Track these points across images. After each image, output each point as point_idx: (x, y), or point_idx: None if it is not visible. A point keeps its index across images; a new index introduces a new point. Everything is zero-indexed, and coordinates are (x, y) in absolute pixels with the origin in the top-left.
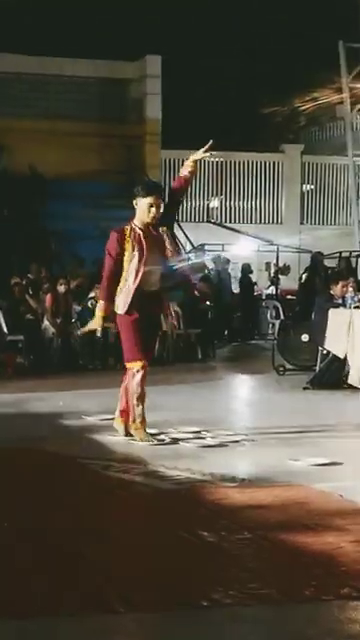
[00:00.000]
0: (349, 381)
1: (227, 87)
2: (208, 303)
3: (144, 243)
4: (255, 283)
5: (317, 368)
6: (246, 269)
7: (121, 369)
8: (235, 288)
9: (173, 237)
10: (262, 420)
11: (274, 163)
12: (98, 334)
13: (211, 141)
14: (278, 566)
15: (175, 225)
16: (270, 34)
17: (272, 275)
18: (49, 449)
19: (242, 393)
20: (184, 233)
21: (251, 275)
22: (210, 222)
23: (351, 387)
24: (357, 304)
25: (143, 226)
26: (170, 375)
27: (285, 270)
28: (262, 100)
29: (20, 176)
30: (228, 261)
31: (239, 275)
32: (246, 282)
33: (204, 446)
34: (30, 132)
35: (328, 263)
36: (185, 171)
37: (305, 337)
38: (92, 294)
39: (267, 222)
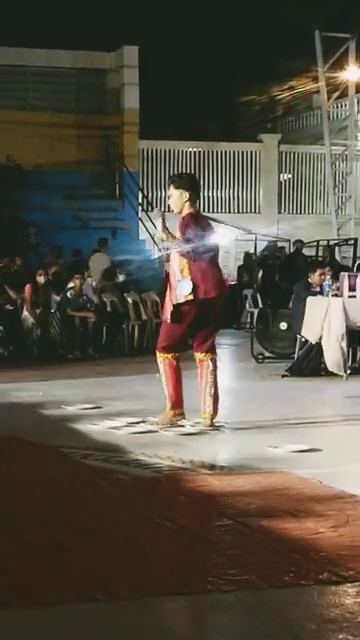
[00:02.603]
0: (329, 368)
1: (205, 77)
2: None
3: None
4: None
5: (296, 356)
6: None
7: (100, 358)
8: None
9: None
10: (241, 408)
11: (252, 153)
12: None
13: None
14: (258, 552)
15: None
16: (247, 23)
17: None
18: (29, 439)
19: (221, 381)
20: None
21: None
22: None
23: (329, 374)
24: (334, 292)
25: None
26: (151, 365)
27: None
28: (239, 90)
29: None
30: None
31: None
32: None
33: (184, 434)
34: (8, 123)
35: (306, 252)
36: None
37: (284, 325)
38: (71, 284)
39: (245, 211)
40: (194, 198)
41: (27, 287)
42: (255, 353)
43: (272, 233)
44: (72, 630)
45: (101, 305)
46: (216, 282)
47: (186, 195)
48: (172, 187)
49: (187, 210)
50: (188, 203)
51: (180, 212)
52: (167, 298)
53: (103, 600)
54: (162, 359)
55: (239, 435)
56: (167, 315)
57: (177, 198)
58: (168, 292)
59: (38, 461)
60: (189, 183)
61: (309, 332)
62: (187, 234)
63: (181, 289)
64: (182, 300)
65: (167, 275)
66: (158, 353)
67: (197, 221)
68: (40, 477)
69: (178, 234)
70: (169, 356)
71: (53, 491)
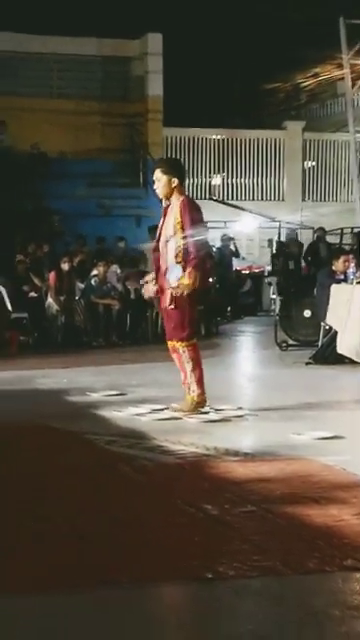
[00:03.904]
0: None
1: (229, 64)
2: (211, 280)
3: (163, 217)
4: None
5: (319, 343)
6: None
7: (124, 345)
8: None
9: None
10: (265, 395)
11: (276, 140)
12: None
13: None
14: (281, 538)
15: None
16: (272, 10)
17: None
18: (54, 425)
19: (245, 369)
20: None
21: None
22: (212, 199)
23: (353, 362)
24: (358, 279)
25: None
26: None
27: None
28: (264, 77)
29: (23, 155)
30: (230, 239)
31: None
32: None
33: (208, 421)
34: (33, 111)
35: (330, 239)
36: None
37: (307, 313)
38: (95, 272)
39: (269, 199)
40: (182, 184)
41: (51, 274)
42: (279, 340)
43: (296, 221)
44: (94, 617)
45: (125, 293)
46: (207, 274)
47: (175, 181)
48: (159, 172)
49: (179, 195)
50: (177, 189)
51: (167, 197)
52: (159, 287)
53: (126, 586)
54: (186, 347)
55: (263, 422)
56: (167, 303)
57: (166, 184)
58: (159, 280)
59: (63, 447)
60: (177, 169)
61: (333, 319)
62: (193, 222)
63: (173, 274)
64: (175, 285)
65: (157, 262)
66: (181, 343)
67: (196, 207)
68: (65, 463)
69: (176, 216)
70: (193, 342)
71: (77, 478)
